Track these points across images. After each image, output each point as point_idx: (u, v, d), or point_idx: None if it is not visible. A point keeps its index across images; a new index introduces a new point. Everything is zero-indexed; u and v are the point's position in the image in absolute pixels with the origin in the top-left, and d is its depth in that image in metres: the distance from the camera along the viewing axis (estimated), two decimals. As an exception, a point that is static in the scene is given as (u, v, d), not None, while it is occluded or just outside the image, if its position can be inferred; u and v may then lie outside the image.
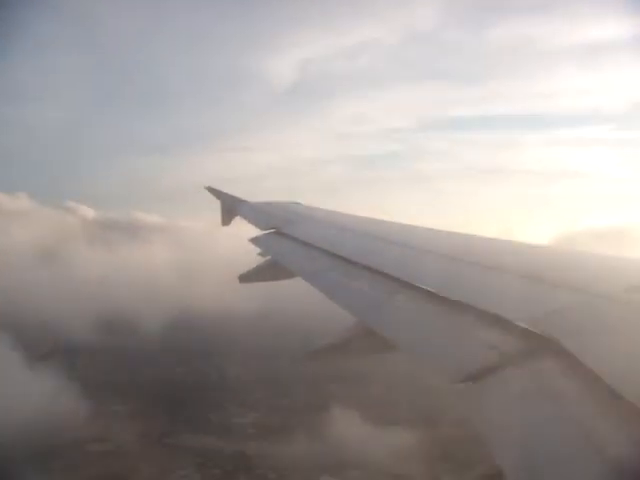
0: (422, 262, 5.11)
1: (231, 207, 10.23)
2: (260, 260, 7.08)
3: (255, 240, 7.78)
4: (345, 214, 8.39)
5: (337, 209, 8.72)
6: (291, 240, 7.01)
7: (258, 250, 7.39)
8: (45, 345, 45.10)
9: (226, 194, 10.63)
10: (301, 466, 29.83)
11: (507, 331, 3.12)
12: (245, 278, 6.91)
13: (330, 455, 30.82)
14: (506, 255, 4.82)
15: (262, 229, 8.10)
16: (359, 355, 4.37)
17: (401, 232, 6.58)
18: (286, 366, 36.38)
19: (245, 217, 9.43)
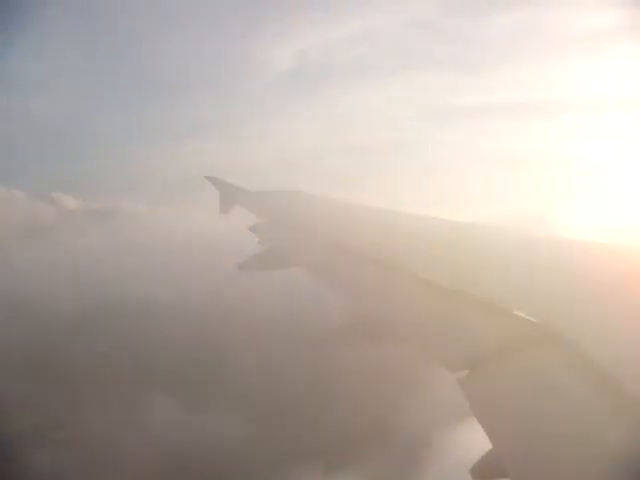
0: (422, 251, 5.10)
1: (231, 196, 10.21)
2: (260, 248, 7.07)
3: (254, 229, 7.77)
4: (344, 203, 8.37)
5: (338, 199, 8.71)
6: (290, 228, 7.00)
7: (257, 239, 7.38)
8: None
9: (226, 183, 10.61)
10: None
11: (506, 320, 3.12)
12: (245, 266, 6.90)
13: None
14: (505, 244, 4.81)
15: (262, 218, 8.09)
16: (359, 342, 4.37)
17: (400, 220, 6.57)
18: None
19: (245, 206, 9.41)
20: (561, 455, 2.12)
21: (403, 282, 4.25)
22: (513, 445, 2.30)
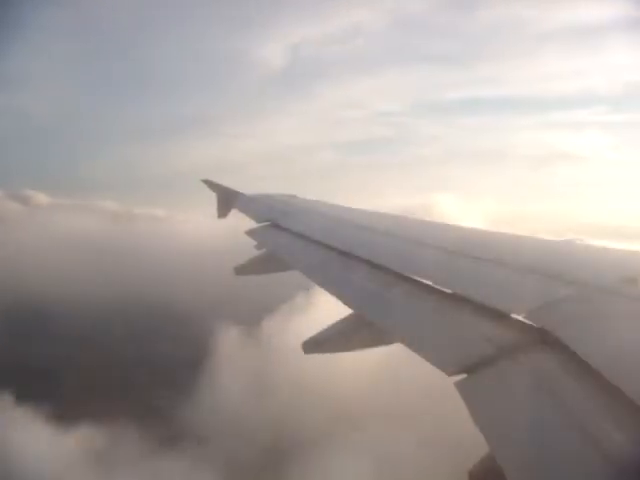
0: (419, 254, 5.10)
1: (227, 199, 10.20)
2: (257, 252, 7.07)
3: (251, 232, 7.78)
4: (341, 206, 8.38)
5: (331, 195, 8.77)
6: (287, 232, 7.00)
7: (254, 242, 7.38)
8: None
9: (222, 186, 10.60)
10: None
11: (503, 323, 3.12)
12: (241, 270, 6.90)
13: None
14: (502, 247, 4.82)
15: (258, 221, 8.10)
16: (355, 347, 4.37)
17: (398, 224, 6.57)
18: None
19: (241, 209, 9.41)
20: (559, 459, 2.13)
21: (400, 285, 4.26)
22: (511, 449, 2.30)
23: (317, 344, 4.27)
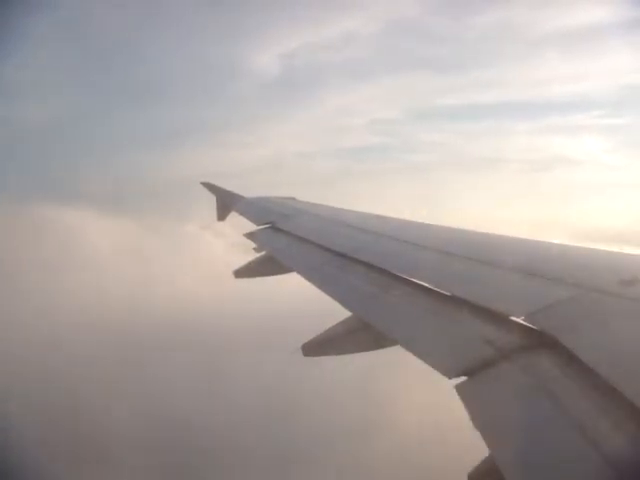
0: (418, 257, 5.11)
1: (226, 202, 10.20)
2: (256, 255, 7.08)
3: (250, 235, 7.78)
4: (341, 209, 8.38)
5: (329, 202, 8.73)
6: (287, 235, 7.00)
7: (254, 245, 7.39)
8: None
9: (221, 189, 10.61)
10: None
11: (503, 326, 3.12)
12: (240, 273, 6.91)
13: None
14: (501, 249, 4.82)
15: (257, 224, 8.10)
16: (355, 350, 4.37)
17: (397, 227, 6.57)
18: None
19: (240, 212, 9.41)
20: (559, 462, 2.12)
21: (399, 288, 4.26)
22: (511, 452, 2.30)
23: (316, 347, 4.26)
